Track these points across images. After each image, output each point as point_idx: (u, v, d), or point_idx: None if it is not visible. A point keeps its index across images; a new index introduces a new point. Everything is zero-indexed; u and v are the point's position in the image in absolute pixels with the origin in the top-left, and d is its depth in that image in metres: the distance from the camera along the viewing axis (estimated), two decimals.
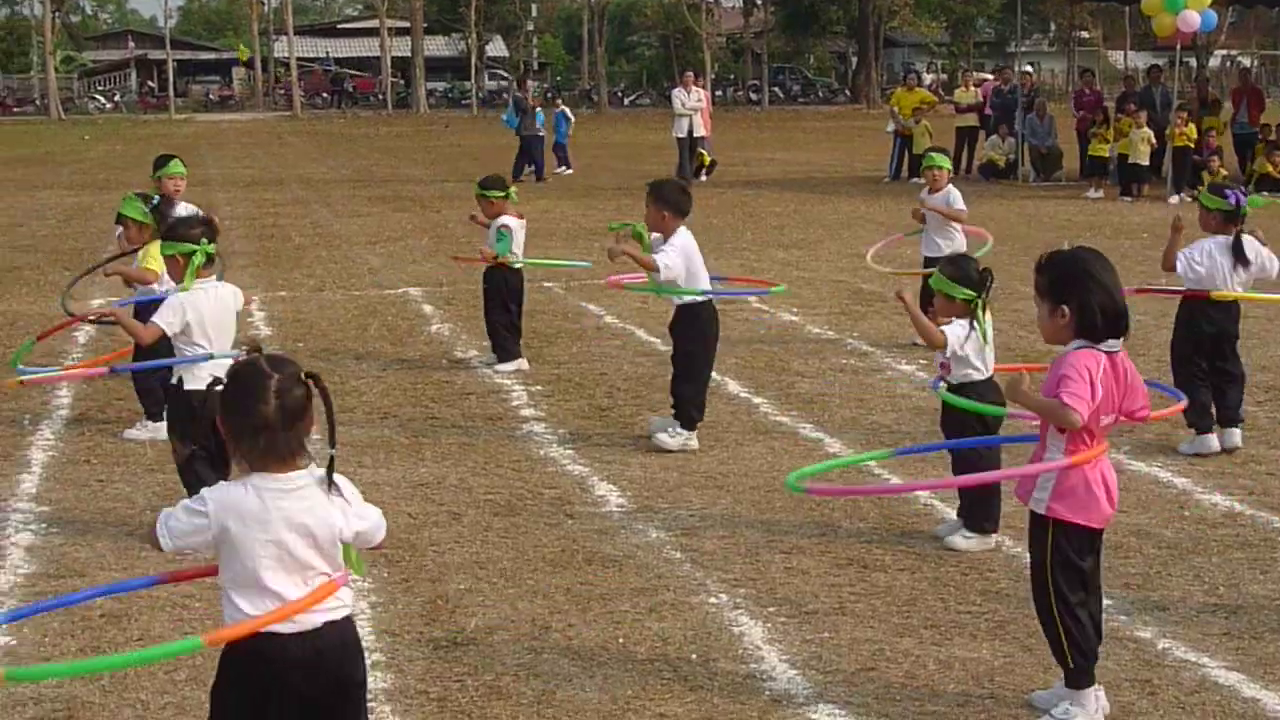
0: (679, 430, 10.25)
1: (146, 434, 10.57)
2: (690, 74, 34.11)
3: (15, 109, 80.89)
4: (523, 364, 12.77)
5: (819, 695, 6.30)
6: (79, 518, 8.81)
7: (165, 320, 8.19)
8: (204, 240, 8.28)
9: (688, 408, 10.28)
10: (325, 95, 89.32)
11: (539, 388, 12.08)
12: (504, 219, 12.81)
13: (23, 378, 9.53)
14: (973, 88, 35.16)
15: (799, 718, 6.09)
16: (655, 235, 10.22)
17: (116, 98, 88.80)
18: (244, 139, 54.82)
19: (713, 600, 7.40)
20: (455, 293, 16.72)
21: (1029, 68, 50.46)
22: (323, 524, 4.50)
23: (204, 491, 4.54)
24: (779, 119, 69.16)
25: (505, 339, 12.83)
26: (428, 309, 15.94)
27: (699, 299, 10.29)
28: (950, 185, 13.66)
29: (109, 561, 7.99)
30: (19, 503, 9.10)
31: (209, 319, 8.27)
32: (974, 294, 7.99)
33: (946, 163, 13.93)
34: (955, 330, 7.97)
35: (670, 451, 10.07)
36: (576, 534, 8.43)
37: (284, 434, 4.44)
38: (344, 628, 4.60)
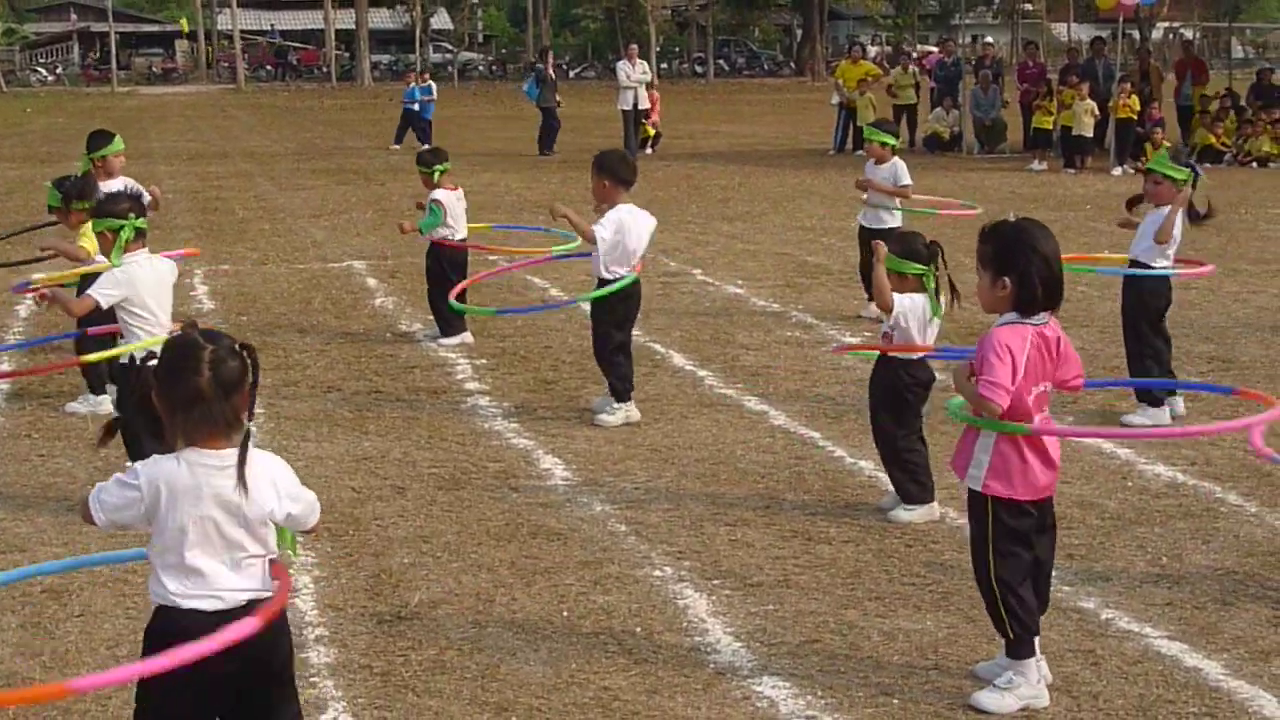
0: (615, 406, 10.24)
1: (88, 407, 10.49)
2: (634, 47, 34.06)
3: None
4: (467, 338, 12.73)
5: (763, 668, 6.30)
6: (20, 493, 8.73)
7: (101, 293, 8.13)
8: (132, 215, 8.21)
9: (613, 381, 10.28)
10: (269, 68, 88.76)
11: (483, 361, 12.04)
12: (436, 193, 12.74)
13: None
14: (911, 68, 35.05)
15: (743, 690, 6.09)
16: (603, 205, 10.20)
17: (59, 70, 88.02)
18: (187, 112, 54.39)
19: (657, 573, 7.39)
20: (399, 266, 16.65)
21: (990, 39, 50.56)
22: (253, 503, 4.44)
23: (136, 464, 4.49)
24: (724, 92, 69.13)
25: (447, 314, 12.77)
26: (371, 282, 15.87)
27: (621, 273, 10.21)
28: (896, 159, 13.59)
29: (50, 536, 7.92)
30: None
31: (147, 291, 8.20)
32: (925, 268, 8.02)
33: (888, 138, 13.71)
34: (903, 302, 7.98)
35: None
36: (521, 507, 8.41)
37: (219, 405, 4.38)
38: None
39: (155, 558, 4.45)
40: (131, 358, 8.29)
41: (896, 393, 8.21)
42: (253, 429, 4.44)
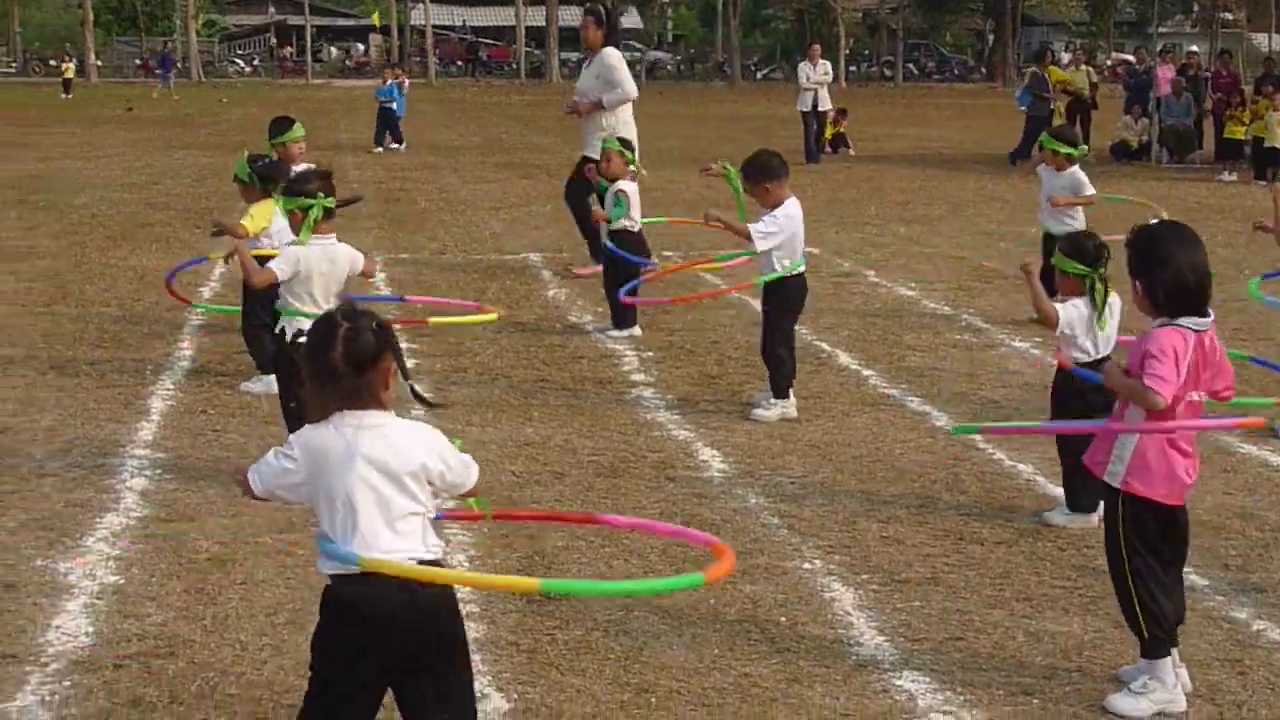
0: (773, 401, 10.29)
1: (261, 387, 10.76)
2: (816, 46, 33.78)
3: (157, 72, 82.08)
4: (636, 331, 12.85)
5: (904, 662, 6.33)
6: (193, 465, 9.02)
7: (278, 267, 8.35)
8: (321, 195, 8.41)
9: (776, 376, 10.33)
10: (459, 63, 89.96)
11: (650, 354, 12.16)
12: (622, 184, 12.87)
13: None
14: (1084, 66, 34.54)
15: (883, 683, 6.12)
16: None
17: (255, 62, 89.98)
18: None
19: (806, 566, 7.44)
20: (575, 259, 16.82)
21: (1194, 48, 49.74)
22: (405, 461, 4.56)
23: (291, 437, 4.66)
24: (912, 95, 68.73)
25: (621, 306, 12.89)
26: (546, 274, 16.08)
27: (792, 273, 10.27)
28: (1075, 169, 13.36)
29: (219, 508, 8.18)
30: (136, 449, 9.33)
31: (317, 274, 8.41)
32: (1087, 270, 7.91)
33: (1066, 147, 13.38)
34: (1069, 310, 7.89)
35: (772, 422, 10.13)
36: (677, 497, 8.51)
37: (352, 381, 4.52)
38: None
39: (323, 529, 4.58)
40: (283, 331, 8.52)
41: (1072, 400, 8.06)
42: (412, 384, 4.62)
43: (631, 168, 13.08)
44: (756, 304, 13.93)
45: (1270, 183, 26.58)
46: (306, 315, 8.25)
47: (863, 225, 20.55)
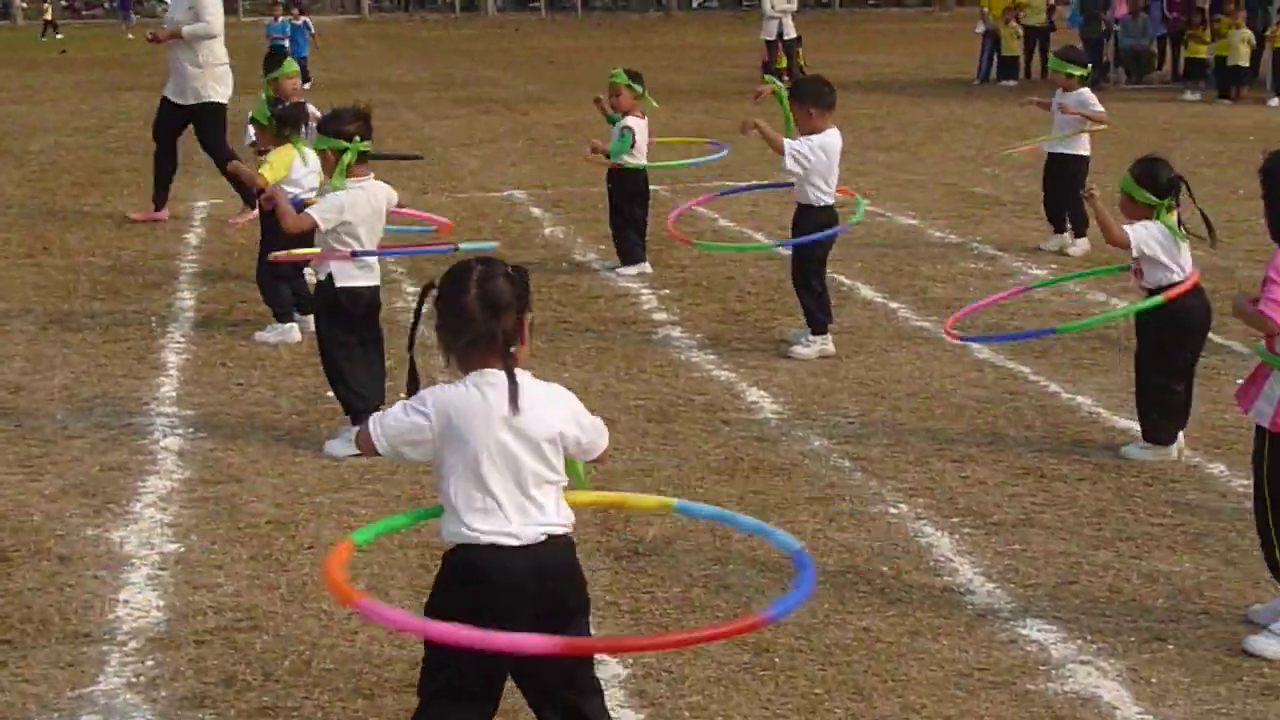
0: (811, 338, 10.00)
1: (276, 336, 10.36)
2: None
3: (84, 12, 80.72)
4: (645, 267, 12.51)
5: (1024, 610, 6.06)
6: (225, 421, 8.62)
7: (321, 215, 7.93)
8: (357, 138, 8.03)
9: (812, 311, 10.04)
10: None
11: (667, 291, 11.82)
12: (630, 119, 12.44)
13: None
14: None
15: (1008, 633, 5.85)
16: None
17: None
18: (315, 42, 54.35)
19: (892, 510, 7.16)
20: (561, 195, 16.46)
21: None
22: (545, 427, 4.27)
23: (423, 392, 4.33)
24: (851, 21, 68.26)
25: (629, 242, 12.54)
26: (536, 211, 15.67)
27: (824, 201, 10.03)
28: (1083, 90, 13.16)
29: (264, 467, 7.81)
30: (161, 406, 8.93)
31: (361, 219, 8.03)
32: (1157, 201, 7.65)
33: (1074, 69, 13.24)
34: (1139, 231, 7.62)
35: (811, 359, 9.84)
36: (737, 441, 8.20)
37: (488, 324, 4.22)
38: (565, 545, 4.36)
39: (450, 493, 4.27)
40: (330, 275, 8.07)
41: (1157, 329, 7.78)
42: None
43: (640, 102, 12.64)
44: (761, 236, 13.71)
45: (1233, 102, 26.54)
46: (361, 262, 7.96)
47: (842, 154, 20.15)
